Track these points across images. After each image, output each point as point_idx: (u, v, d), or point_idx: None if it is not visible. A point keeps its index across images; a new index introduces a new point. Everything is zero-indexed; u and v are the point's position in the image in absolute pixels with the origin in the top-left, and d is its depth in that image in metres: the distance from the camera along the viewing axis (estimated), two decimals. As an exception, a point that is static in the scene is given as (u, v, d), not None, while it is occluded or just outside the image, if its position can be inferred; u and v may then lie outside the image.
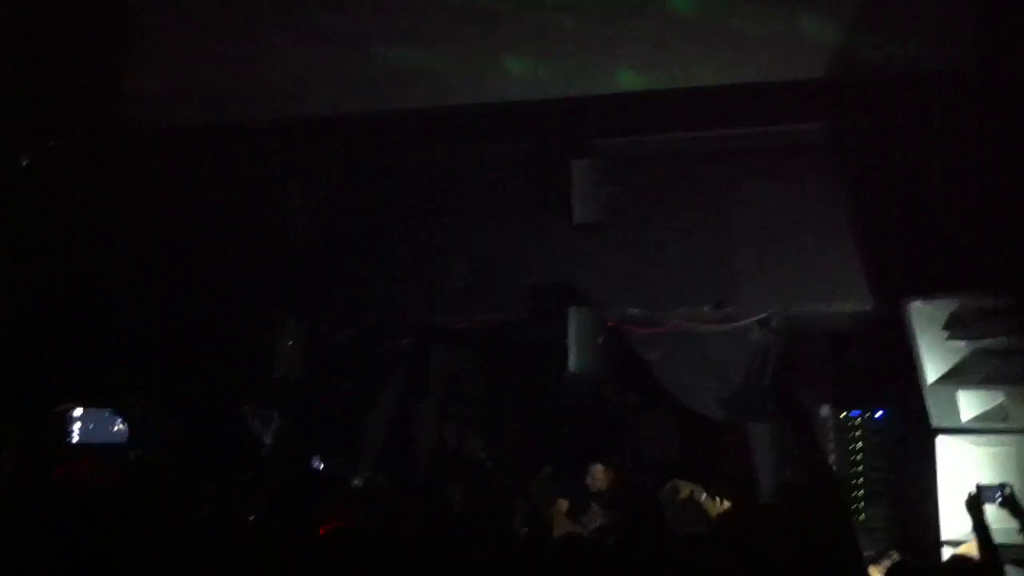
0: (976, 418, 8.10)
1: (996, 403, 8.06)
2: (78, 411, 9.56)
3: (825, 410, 9.09)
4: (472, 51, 9.44)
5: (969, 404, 8.13)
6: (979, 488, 7.63)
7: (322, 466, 9.48)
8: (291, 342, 9.73)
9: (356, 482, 9.26)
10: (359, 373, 9.76)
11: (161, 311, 9.72)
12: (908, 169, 8.73)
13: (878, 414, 9.00)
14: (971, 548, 7.33)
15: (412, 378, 9.65)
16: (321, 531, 8.88)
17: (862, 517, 8.90)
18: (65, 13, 9.81)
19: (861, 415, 9.01)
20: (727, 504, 8.64)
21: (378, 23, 9.45)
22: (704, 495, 8.61)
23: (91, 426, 9.52)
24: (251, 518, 8.85)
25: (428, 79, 9.44)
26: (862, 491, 8.95)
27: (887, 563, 7.62)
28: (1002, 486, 7.84)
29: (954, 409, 8.11)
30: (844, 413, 9.03)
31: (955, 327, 8.20)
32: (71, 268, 9.81)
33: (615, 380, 9.47)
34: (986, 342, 8.11)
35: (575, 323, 9.13)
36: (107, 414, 9.53)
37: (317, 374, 9.74)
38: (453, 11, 9.43)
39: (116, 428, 9.54)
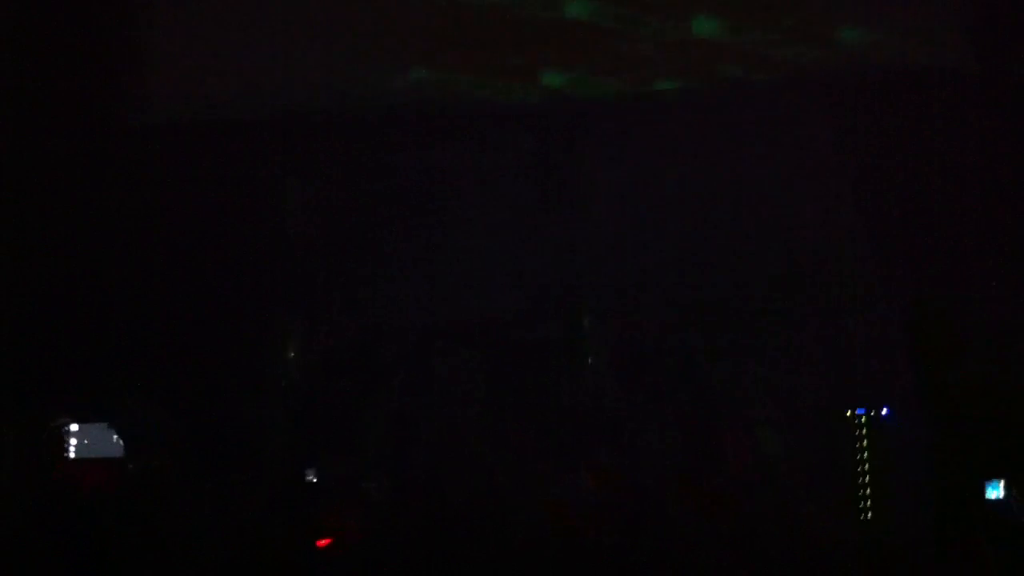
0: None
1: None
2: (74, 426, 9.57)
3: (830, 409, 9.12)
4: (473, 51, 9.44)
5: None
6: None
7: (315, 477, 9.48)
8: (290, 342, 9.74)
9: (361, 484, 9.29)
10: (359, 373, 9.74)
11: (160, 311, 9.70)
12: (908, 169, 8.75)
13: (884, 412, 9.01)
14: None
15: (412, 378, 9.64)
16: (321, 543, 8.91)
17: (868, 516, 8.91)
18: (65, 12, 9.79)
19: (866, 413, 9.02)
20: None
21: (378, 23, 9.44)
22: None
23: (86, 440, 9.54)
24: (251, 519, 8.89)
25: (428, 79, 9.44)
26: (868, 490, 8.95)
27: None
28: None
29: None
30: (849, 411, 9.04)
31: None
32: (69, 269, 9.79)
33: (616, 378, 9.46)
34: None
35: (576, 322, 9.16)
36: (104, 428, 9.54)
37: (317, 374, 9.73)
38: (454, 12, 9.42)
39: (114, 441, 9.54)
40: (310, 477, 9.37)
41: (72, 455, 9.43)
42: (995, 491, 8.45)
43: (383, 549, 8.92)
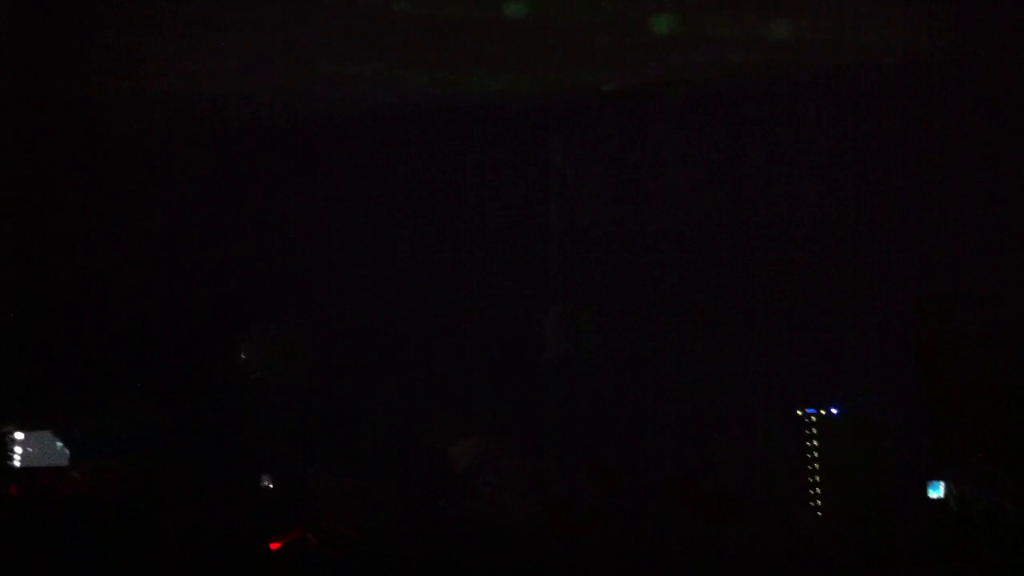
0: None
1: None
2: (19, 435, 9.50)
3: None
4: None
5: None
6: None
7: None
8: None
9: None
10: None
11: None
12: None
13: (833, 410, 9.05)
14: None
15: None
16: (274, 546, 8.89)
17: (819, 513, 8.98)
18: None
19: (816, 412, 9.08)
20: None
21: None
22: None
23: (31, 449, 9.46)
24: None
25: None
26: (819, 488, 8.99)
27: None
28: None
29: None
30: (801, 411, 9.10)
31: None
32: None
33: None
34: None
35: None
36: (48, 436, 9.48)
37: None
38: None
39: (58, 449, 9.48)
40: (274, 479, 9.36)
41: (18, 463, 9.35)
42: (936, 492, 8.66)
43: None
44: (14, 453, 9.33)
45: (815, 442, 9.02)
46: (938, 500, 8.68)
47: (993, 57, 8.67)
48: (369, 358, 9.62)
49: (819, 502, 8.97)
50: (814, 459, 9.01)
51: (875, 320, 9.05)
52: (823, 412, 9.05)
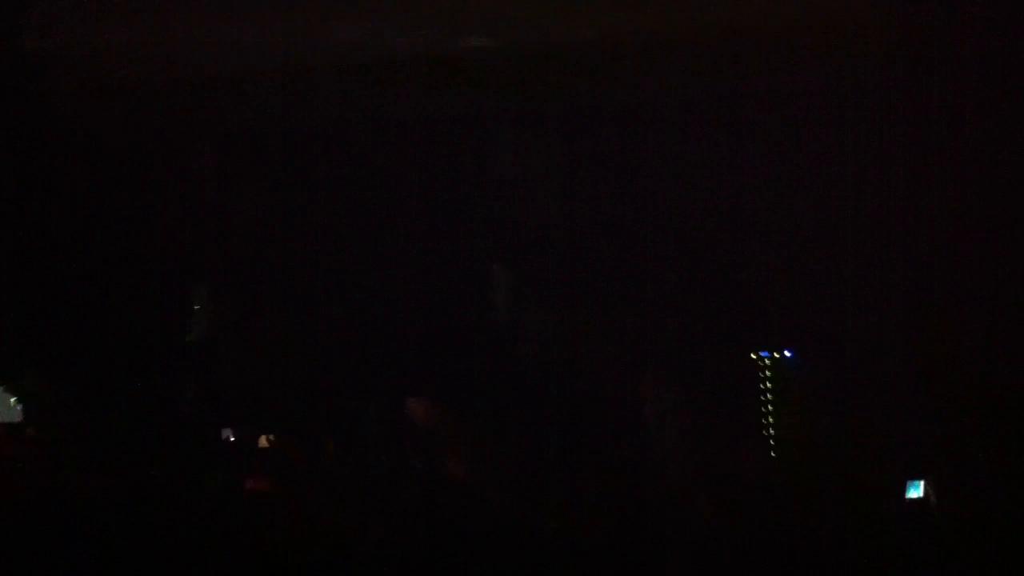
0: None
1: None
2: None
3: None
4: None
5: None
6: None
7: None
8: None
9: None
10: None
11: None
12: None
13: (788, 354, 9.00)
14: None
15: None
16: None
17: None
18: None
19: (770, 356, 9.02)
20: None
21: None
22: None
23: None
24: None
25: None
26: (771, 434, 8.95)
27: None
28: None
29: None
30: (755, 354, 9.04)
31: None
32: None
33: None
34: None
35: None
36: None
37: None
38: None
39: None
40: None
41: None
42: (916, 491, 8.48)
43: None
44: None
45: (769, 394, 8.97)
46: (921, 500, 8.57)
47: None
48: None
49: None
50: (768, 411, 8.97)
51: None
52: (777, 355, 8.99)
